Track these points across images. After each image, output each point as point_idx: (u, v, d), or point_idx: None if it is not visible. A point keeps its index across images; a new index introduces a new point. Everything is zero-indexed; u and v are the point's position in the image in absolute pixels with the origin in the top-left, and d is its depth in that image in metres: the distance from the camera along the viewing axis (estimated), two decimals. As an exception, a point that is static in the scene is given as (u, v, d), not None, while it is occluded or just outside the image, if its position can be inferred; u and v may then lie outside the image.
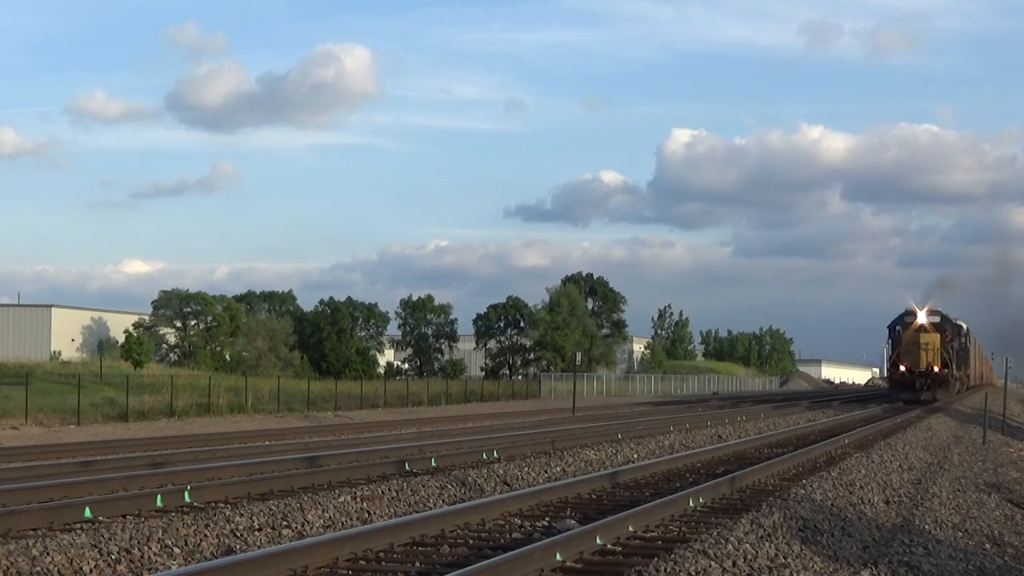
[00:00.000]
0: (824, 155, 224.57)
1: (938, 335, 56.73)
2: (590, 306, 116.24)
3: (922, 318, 56.48)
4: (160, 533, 11.39)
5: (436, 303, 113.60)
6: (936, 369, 55.81)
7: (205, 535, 11.70)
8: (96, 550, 10.53)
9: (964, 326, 67.88)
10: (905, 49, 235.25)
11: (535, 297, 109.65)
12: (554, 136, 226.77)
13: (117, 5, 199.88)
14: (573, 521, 12.87)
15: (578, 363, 61.01)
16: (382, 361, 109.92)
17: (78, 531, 11.74)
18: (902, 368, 56.44)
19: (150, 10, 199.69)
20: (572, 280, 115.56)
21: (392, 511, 14.25)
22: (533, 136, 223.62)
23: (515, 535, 12.19)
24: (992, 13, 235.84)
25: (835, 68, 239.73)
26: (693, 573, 9.69)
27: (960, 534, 14.00)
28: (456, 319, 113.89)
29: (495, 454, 22.12)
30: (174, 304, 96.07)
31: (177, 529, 11.64)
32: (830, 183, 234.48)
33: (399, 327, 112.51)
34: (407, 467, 19.03)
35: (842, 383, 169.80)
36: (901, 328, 57.37)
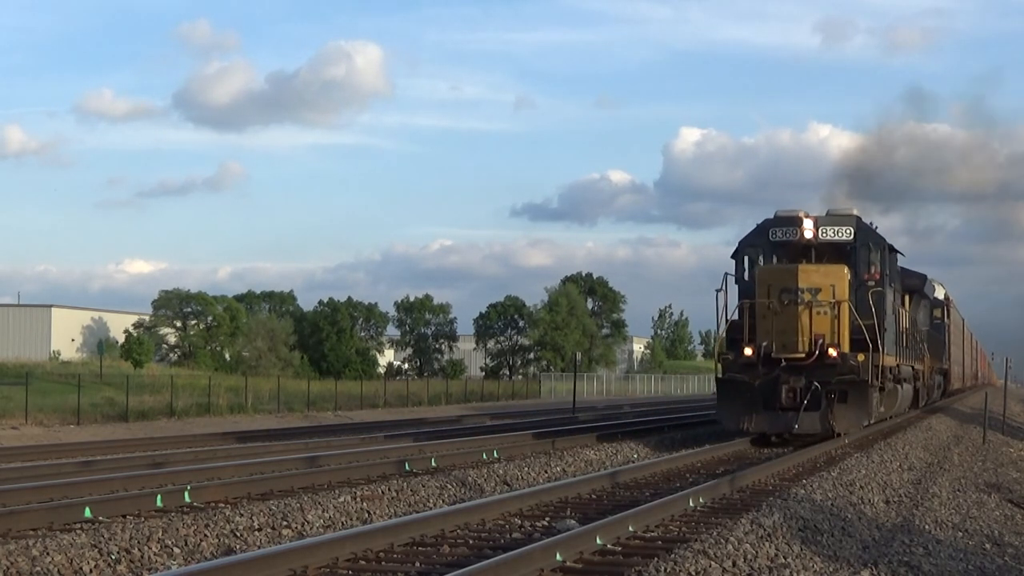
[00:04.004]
0: (833, 154, 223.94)
1: (845, 271, 24.29)
2: (590, 306, 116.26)
3: (810, 231, 24.87)
4: (160, 533, 11.38)
5: (435, 303, 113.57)
6: (833, 353, 23.44)
7: (205, 535, 11.70)
8: (96, 550, 10.53)
9: (936, 287, 43.75)
10: (918, 47, 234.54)
11: (539, 297, 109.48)
12: (563, 135, 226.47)
13: (126, 3, 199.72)
14: (573, 521, 12.87)
15: (578, 363, 60.96)
16: (382, 361, 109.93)
17: (78, 531, 11.74)
18: (749, 351, 23.75)
19: (160, 8, 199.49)
20: (571, 280, 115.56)
21: (392, 511, 14.25)
22: (541, 135, 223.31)
23: (515, 535, 12.18)
24: (992, 13, 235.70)
25: (846, 66, 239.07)
26: (693, 573, 9.69)
27: (960, 534, 14.00)
28: (456, 319, 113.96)
29: (495, 454, 22.11)
30: (174, 304, 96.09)
31: (177, 529, 11.63)
32: (838, 182, 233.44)
33: (396, 327, 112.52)
34: (407, 467, 19.03)
35: None
36: (757, 253, 25.60)
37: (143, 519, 12.93)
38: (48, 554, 10.14)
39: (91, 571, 10.14)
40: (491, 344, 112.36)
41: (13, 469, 19.57)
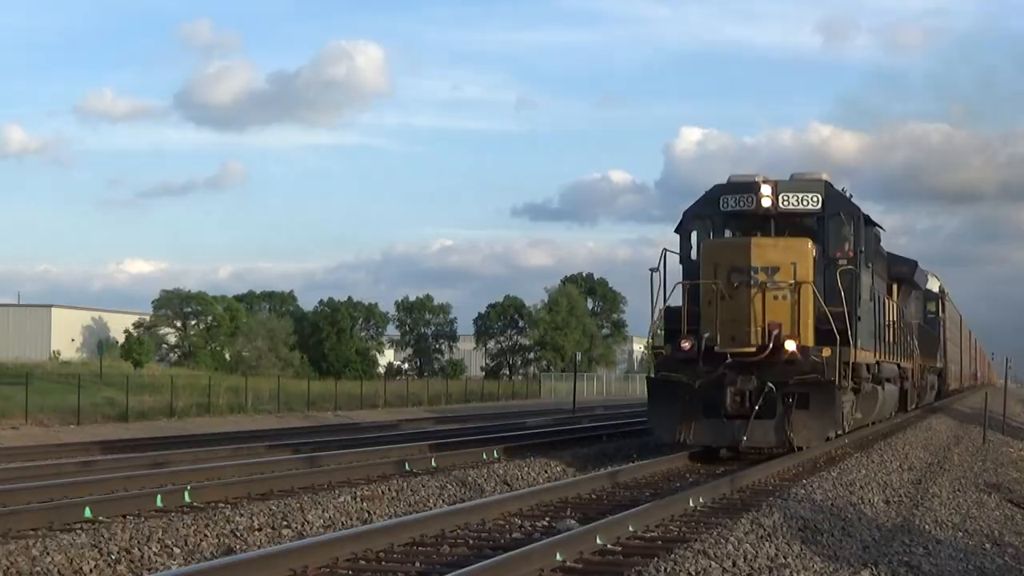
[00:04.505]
0: (834, 154, 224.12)
1: (809, 246, 20.22)
2: (590, 306, 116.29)
3: (769, 199, 20.59)
4: (160, 533, 11.39)
5: (435, 303, 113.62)
6: (791, 346, 19.24)
7: (205, 535, 11.70)
8: (96, 550, 10.54)
9: (930, 278, 41.67)
10: (919, 47, 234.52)
11: (539, 297, 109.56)
12: (564, 135, 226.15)
13: (127, 3, 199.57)
14: (573, 521, 12.87)
15: (578, 363, 60.94)
16: (382, 361, 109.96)
17: (78, 531, 11.75)
18: (686, 345, 19.55)
19: (162, 8, 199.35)
20: (572, 280, 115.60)
21: (392, 511, 14.25)
22: (542, 135, 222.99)
23: (515, 535, 12.18)
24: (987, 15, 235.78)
25: (848, 66, 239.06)
26: (693, 573, 9.69)
27: (960, 534, 14.00)
28: (456, 319, 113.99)
29: (495, 454, 22.10)
30: (174, 304, 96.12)
31: (177, 529, 11.64)
32: (838, 181, 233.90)
33: (396, 327, 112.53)
34: (407, 467, 19.03)
35: None
36: (706, 227, 21.48)
37: (143, 519, 12.93)
38: (48, 554, 10.15)
39: (91, 571, 10.14)
40: (491, 344, 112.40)
41: (13, 469, 19.57)
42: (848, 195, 21.76)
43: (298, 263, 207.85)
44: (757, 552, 10.72)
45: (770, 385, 19.01)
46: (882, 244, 26.11)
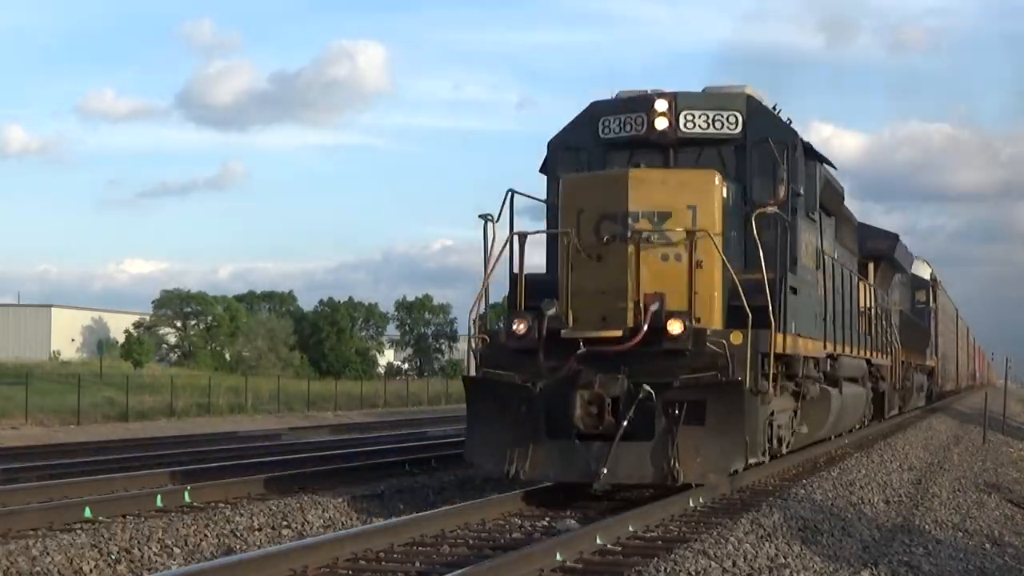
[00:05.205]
0: (835, 154, 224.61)
1: (716, 181, 14.00)
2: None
3: (665, 119, 14.70)
4: (160, 533, 11.39)
5: (436, 303, 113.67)
6: (676, 328, 12.89)
7: (205, 535, 11.71)
8: (96, 550, 10.54)
9: (920, 264, 37.03)
10: (923, 47, 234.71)
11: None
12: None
13: (128, 3, 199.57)
14: (573, 521, 12.86)
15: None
16: (382, 361, 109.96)
17: (78, 531, 11.75)
18: (520, 328, 13.38)
19: (163, 8, 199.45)
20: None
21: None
22: (543, 135, 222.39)
23: (515, 535, 12.18)
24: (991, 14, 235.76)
25: (850, 66, 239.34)
26: (693, 573, 9.69)
27: (960, 534, 14.01)
28: (456, 319, 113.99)
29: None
30: (174, 304, 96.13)
31: (177, 529, 11.64)
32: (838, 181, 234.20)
33: (396, 327, 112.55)
34: (407, 467, 19.02)
35: None
36: (581, 160, 15.35)
37: (143, 519, 12.93)
38: (48, 554, 10.15)
39: (91, 571, 10.14)
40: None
41: (13, 469, 19.57)
42: (787, 119, 15.58)
43: (298, 263, 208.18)
44: (757, 552, 10.72)
45: (647, 388, 12.78)
46: (849, 208, 20.96)
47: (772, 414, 14.74)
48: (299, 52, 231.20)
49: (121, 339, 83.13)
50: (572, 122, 15.69)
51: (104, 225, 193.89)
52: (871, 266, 25.15)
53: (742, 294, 13.19)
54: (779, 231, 14.26)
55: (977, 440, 29.85)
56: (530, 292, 14.45)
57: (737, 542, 10.93)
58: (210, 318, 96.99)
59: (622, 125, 15.21)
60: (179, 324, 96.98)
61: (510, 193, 14.59)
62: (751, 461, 13.78)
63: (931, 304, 38.15)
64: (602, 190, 13.91)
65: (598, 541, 11.09)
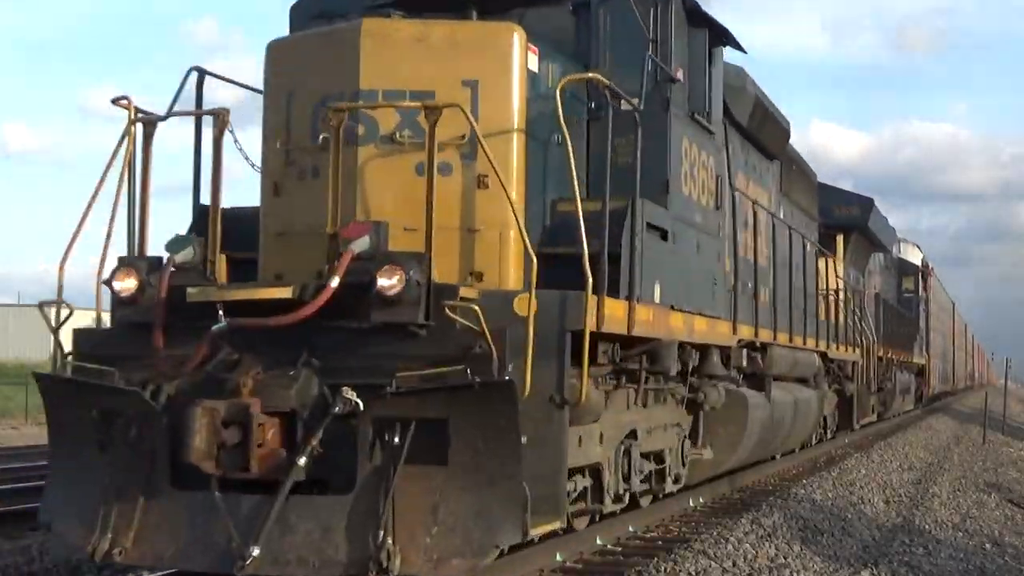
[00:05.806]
0: (836, 154, 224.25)
1: (513, 36, 8.25)
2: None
3: None
4: (160, 533, 11.36)
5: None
6: (390, 281, 6.91)
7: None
8: (96, 550, 10.51)
9: (908, 247, 33.57)
10: (925, 47, 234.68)
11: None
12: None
13: (130, 3, 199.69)
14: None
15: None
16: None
17: (78, 531, 11.72)
18: (126, 284, 8.59)
19: (165, 7, 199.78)
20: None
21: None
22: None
23: (515, 535, 12.14)
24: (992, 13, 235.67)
25: (853, 66, 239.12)
26: (693, 573, 9.69)
27: (960, 534, 14.01)
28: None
29: None
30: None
31: (177, 529, 11.61)
32: (840, 181, 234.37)
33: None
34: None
35: None
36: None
37: (143, 519, 12.90)
38: (48, 554, 10.14)
39: (90, 571, 10.14)
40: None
41: (13, 469, 19.57)
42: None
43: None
44: (757, 552, 10.73)
45: (348, 395, 7.18)
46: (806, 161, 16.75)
47: (631, 435, 10.04)
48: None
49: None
50: None
51: (104, 225, 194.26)
52: (840, 239, 20.79)
53: (574, 231, 7.70)
54: (636, 134, 8.94)
55: (977, 440, 29.87)
56: (236, 234, 8.81)
57: (737, 542, 10.94)
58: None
59: None
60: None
61: (197, 74, 9.64)
62: (542, 530, 7.91)
63: (921, 293, 32.71)
64: (322, 58, 8.56)
65: (598, 541, 11.09)
